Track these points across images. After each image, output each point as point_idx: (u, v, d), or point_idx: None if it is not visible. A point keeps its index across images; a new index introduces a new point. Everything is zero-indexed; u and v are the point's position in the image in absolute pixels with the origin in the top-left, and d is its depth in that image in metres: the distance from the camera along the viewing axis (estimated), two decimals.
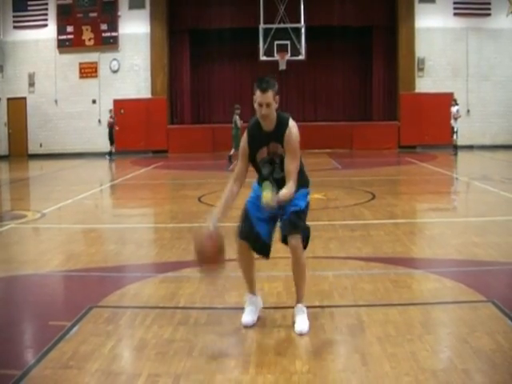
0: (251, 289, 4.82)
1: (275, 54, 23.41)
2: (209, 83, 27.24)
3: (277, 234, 4.64)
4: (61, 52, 25.51)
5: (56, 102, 25.63)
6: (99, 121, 24.28)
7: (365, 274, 6.12)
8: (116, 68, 25.50)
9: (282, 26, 23.34)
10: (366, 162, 20.49)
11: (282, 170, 4.53)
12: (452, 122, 21.31)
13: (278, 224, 4.62)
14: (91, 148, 24.55)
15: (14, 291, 6.05)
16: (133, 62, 25.48)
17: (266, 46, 23.38)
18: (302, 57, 23.21)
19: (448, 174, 16.24)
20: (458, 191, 13.80)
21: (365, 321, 4.73)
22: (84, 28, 25.33)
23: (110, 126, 22.89)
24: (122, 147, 24.85)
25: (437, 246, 7.50)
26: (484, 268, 6.39)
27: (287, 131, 4.47)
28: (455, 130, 21.24)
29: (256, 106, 4.45)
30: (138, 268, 6.82)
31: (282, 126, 4.49)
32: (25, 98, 25.72)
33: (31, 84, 25.64)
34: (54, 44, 25.50)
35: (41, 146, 25.70)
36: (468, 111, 24.38)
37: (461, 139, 21.61)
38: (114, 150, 22.47)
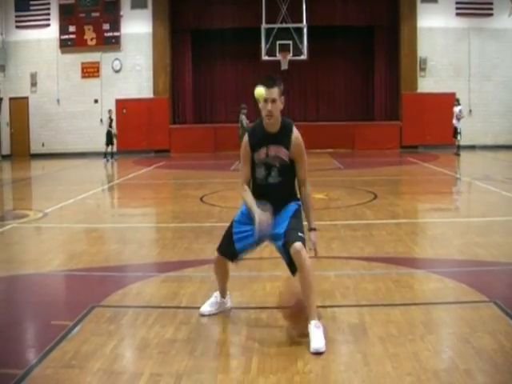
0: (222, 294, 4.97)
1: (277, 54, 23.38)
2: (211, 83, 27.23)
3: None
4: (63, 52, 25.52)
5: (58, 101, 25.64)
6: (101, 120, 24.26)
7: (367, 274, 6.12)
8: (118, 68, 25.50)
9: (284, 25, 23.31)
10: (368, 162, 20.48)
11: (280, 175, 4.51)
12: (455, 122, 21.27)
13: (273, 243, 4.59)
14: (93, 148, 24.54)
15: (16, 291, 6.06)
16: (135, 62, 25.48)
17: (268, 46, 23.36)
18: (304, 57, 23.17)
19: (450, 173, 16.22)
20: (460, 191, 13.78)
21: (367, 321, 4.73)
22: (86, 28, 25.33)
23: (109, 127, 22.80)
24: (124, 147, 24.89)
25: (439, 246, 7.49)
26: (486, 268, 6.39)
27: (293, 136, 4.47)
28: (459, 130, 21.22)
29: (261, 104, 4.42)
30: (140, 267, 6.82)
31: (286, 129, 4.48)
32: (27, 98, 25.73)
33: (33, 84, 25.65)
34: (56, 44, 25.51)
35: (43, 145, 25.71)
36: (470, 111, 24.34)
37: (463, 139, 21.57)
38: (110, 151, 22.36)
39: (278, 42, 23.40)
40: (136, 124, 24.94)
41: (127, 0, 25.30)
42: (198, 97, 26.98)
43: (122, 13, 25.29)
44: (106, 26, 25.30)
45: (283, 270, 5.88)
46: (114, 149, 23.19)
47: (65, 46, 25.45)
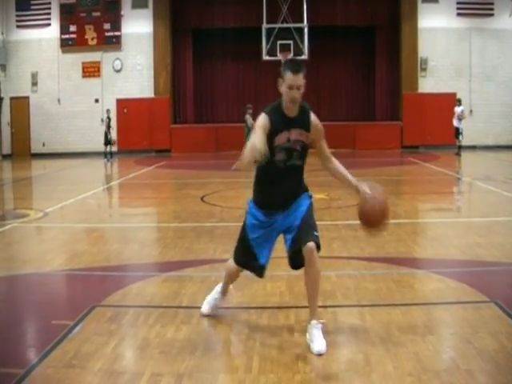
0: (225, 293, 4.94)
1: (278, 54, 23.39)
2: (212, 82, 27.23)
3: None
4: (64, 51, 25.52)
5: (59, 101, 25.65)
6: (102, 120, 24.25)
7: (368, 274, 6.12)
8: (119, 67, 25.50)
9: (284, 25, 23.33)
10: (369, 162, 20.46)
11: (300, 158, 4.40)
12: (456, 122, 21.22)
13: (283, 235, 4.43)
14: (94, 147, 24.53)
15: (17, 290, 6.06)
16: (136, 62, 25.48)
17: (268, 46, 23.37)
18: (304, 56, 23.16)
19: (451, 174, 16.22)
20: (461, 191, 13.77)
21: (368, 321, 4.73)
22: (87, 27, 25.33)
23: (107, 126, 22.73)
24: (124, 146, 24.91)
25: (440, 247, 7.49)
26: (487, 268, 6.39)
27: (312, 117, 4.36)
28: (460, 130, 21.19)
29: (284, 89, 4.18)
30: (141, 267, 6.82)
31: (304, 112, 4.34)
32: (28, 98, 25.74)
33: (34, 83, 25.65)
34: (57, 43, 25.52)
35: (43, 145, 25.71)
36: (471, 111, 24.33)
37: (464, 139, 21.58)
38: (108, 151, 22.34)
39: (278, 42, 23.42)
40: (137, 124, 24.95)
41: (128, 0, 25.32)
42: (198, 96, 26.98)
43: (122, 12, 25.29)
44: (107, 26, 25.30)
45: (284, 270, 5.89)
46: (115, 148, 23.17)
47: (65, 45, 25.45)
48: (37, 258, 7.17)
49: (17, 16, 25.56)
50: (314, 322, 4.27)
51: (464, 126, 21.47)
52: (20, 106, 25.68)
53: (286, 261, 5.56)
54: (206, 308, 4.89)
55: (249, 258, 4.41)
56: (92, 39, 25.39)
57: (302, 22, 23.43)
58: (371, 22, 25.44)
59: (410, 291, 5.55)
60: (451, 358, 4.01)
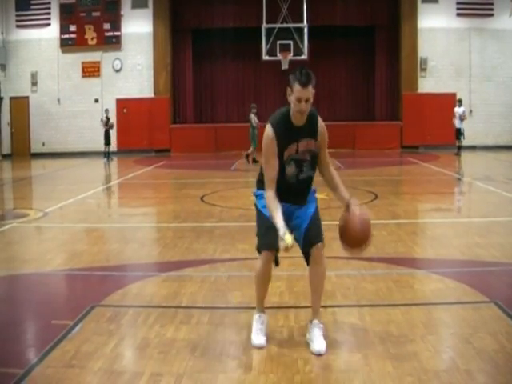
0: (262, 305, 4.51)
1: (278, 54, 23.40)
2: (211, 82, 27.23)
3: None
4: (63, 51, 25.52)
5: (59, 101, 25.64)
6: (101, 120, 24.24)
7: (367, 274, 6.12)
8: (119, 67, 25.50)
9: (284, 25, 23.33)
10: (369, 162, 20.47)
11: (312, 168, 4.33)
12: (458, 123, 21.14)
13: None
14: (93, 147, 24.53)
15: (16, 290, 6.06)
16: (135, 62, 25.48)
17: (268, 46, 23.37)
18: (304, 56, 23.17)
19: (450, 174, 16.22)
20: (461, 192, 13.78)
21: (367, 321, 4.73)
22: (87, 27, 25.33)
23: (105, 126, 22.70)
24: (124, 146, 24.92)
25: (439, 247, 7.49)
26: (487, 268, 6.39)
27: (319, 125, 4.33)
28: (462, 131, 21.16)
29: (292, 99, 4.11)
30: (141, 267, 6.82)
31: (312, 120, 4.28)
32: (27, 97, 25.73)
33: (34, 83, 25.65)
34: (57, 43, 25.51)
35: (43, 145, 25.71)
36: (471, 111, 24.33)
37: (464, 140, 21.57)
38: (109, 150, 22.32)
39: (278, 42, 23.42)
40: (136, 124, 24.96)
41: None
42: (198, 96, 26.98)
43: (122, 12, 25.29)
44: (107, 26, 25.30)
45: (284, 270, 5.90)
46: (115, 148, 23.17)
47: (65, 45, 25.45)
48: (36, 257, 7.17)
49: (16, 16, 25.55)
50: (315, 321, 4.28)
51: (464, 126, 21.47)
52: (20, 105, 25.67)
53: (286, 261, 5.58)
54: (260, 339, 4.31)
55: (275, 235, 4.07)
56: (92, 39, 25.39)
57: (301, 21, 23.42)
58: (371, 21, 25.44)
59: (409, 291, 5.55)
60: (451, 358, 4.02)
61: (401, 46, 25.09)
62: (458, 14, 24.76)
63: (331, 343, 4.26)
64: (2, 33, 25.42)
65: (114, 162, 22.06)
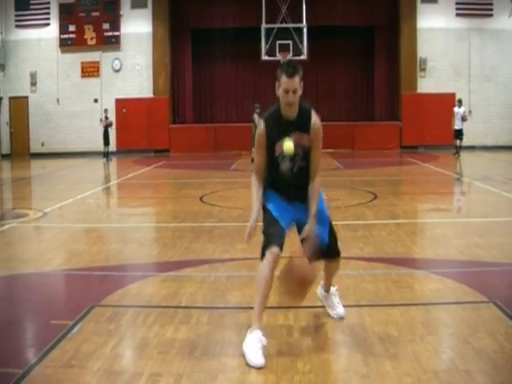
0: (261, 320, 4.17)
1: (277, 54, 23.38)
2: (211, 82, 27.23)
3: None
4: (63, 51, 25.52)
5: (58, 101, 25.64)
6: (101, 120, 24.25)
7: (367, 274, 6.12)
8: (118, 67, 25.50)
9: (284, 25, 23.33)
10: (368, 162, 20.48)
11: (304, 158, 4.26)
12: (458, 123, 21.05)
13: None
14: (93, 147, 24.53)
15: (16, 290, 6.05)
16: (135, 62, 25.48)
17: (267, 46, 23.37)
18: (303, 57, 23.16)
19: (450, 174, 16.22)
20: (460, 192, 13.78)
21: (366, 321, 4.73)
22: (86, 27, 25.33)
23: (105, 126, 22.68)
24: (123, 146, 24.92)
25: (439, 247, 7.49)
26: (486, 269, 6.39)
27: (313, 119, 4.23)
28: (463, 131, 21.09)
29: (280, 92, 4.15)
30: (140, 267, 6.81)
31: (305, 114, 4.23)
32: (27, 97, 25.73)
33: (33, 83, 25.65)
34: (56, 43, 25.52)
35: (42, 145, 25.71)
36: (470, 112, 24.32)
37: (463, 140, 21.56)
38: (108, 150, 22.31)
39: (277, 42, 23.43)
40: (136, 124, 24.96)
41: None
42: (197, 96, 26.99)
43: (121, 12, 25.29)
44: (106, 26, 25.31)
45: None
46: (114, 148, 23.16)
47: (65, 45, 25.46)
48: (36, 257, 7.17)
49: (16, 16, 25.55)
50: (332, 289, 4.82)
51: (463, 126, 21.45)
52: (19, 105, 25.67)
53: (285, 261, 5.58)
54: (258, 359, 3.96)
55: (277, 229, 4.17)
56: (91, 39, 25.39)
57: (301, 22, 23.42)
58: (370, 22, 25.46)
59: (408, 291, 5.55)
60: (450, 358, 4.02)
61: (400, 46, 25.10)
62: (458, 15, 24.78)
63: (330, 343, 4.27)
64: (2, 33, 25.43)
65: (114, 162, 22.06)
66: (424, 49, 24.84)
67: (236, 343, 4.37)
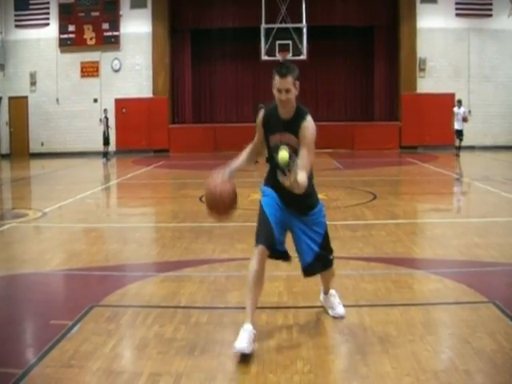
0: (252, 316, 4.25)
1: (277, 54, 23.39)
2: (210, 83, 27.23)
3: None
4: (62, 51, 25.52)
5: (57, 100, 25.64)
6: (100, 120, 24.26)
7: (366, 274, 6.12)
8: (117, 67, 25.50)
9: (283, 25, 23.33)
10: (368, 162, 20.48)
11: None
12: (459, 124, 21.00)
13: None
14: (92, 147, 24.53)
15: (15, 290, 6.05)
16: (134, 62, 25.48)
17: (267, 46, 23.37)
18: (303, 57, 23.17)
19: (449, 174, 16.22)
20: (460, 192, 13.79)
21: (366, 321, 4.73)
22: (85, 27, 25.33)
23: (104, 128, 22.67)
24: (123, 146, 24.92)
25: (438, 247, 7.49)
26: (485, 269, 6.39)
27: (304, 123, 4.29)
28: (463, 132, 21.05)
29: (275, 91, 4.28)
30: (139, 267, 6.82)
31: (299, 117, 4.32)
32: (26, 97, 25.73)
33: (33, 83, 25.65)
34: (56, 43, 25.51)
35: (42, 144, 25.70)
36: (469, 112, 24.30)
37: (463, 140, 21.56)
38: (108, 151, 22.30)
39: (277, 42, 23.43)
40: (135, 124, 24.96)
41: None
42: (197, 96, 26.98)
43: (121, 12, 25.29)
44: (106, 26, 25.30)
45: (282, 271, 5.90)
46: (113, 148, 23.16)
47: (64, 45, 25.45)
48: (35, 257, 7.17)
49: (15, 16, 25.55)
50: (331, 291, 4.85)
51: (463, 127, 21.43)
52: (18, 105, 25.67)
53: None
54: (242, 343, 4.05)
55: (269, 230, 4.27)
56: (91, 39, 25.39)
57: (300, 22, 23.42)
58: (370, 22, 25.46)
59: (408, 291, 5.55)
60: (449, 358, 4.02)
61: (400, 46, 25.11)
62: (457, 15, 24.79)
63: (330, 343, 4.27)
64: (1, 33, 25.44)
65: (113, 162, 22.05)
66: (423, 49, 24.84)
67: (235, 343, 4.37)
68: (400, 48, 25.08)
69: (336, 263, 6.59)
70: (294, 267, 5.85)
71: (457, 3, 24.69)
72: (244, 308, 4.42)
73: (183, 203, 11.56)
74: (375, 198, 11.52)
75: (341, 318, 4.76)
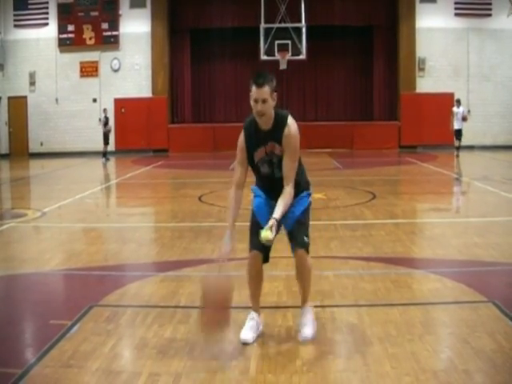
0: (256, 306, 4.56)
1: (276, 54, 23.38)
2: (209, 82, 27.23)
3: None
4: (61, 51, 25.51)
5: (57, 100, 25.63)
6: (100, 120, 24.27)
7: (365, 274, 6.12)
8: (117, 67, 25.49)
9: (282, 25, 23.31)
10: (367, 162, 20.48)
11: (281, 170, 4.30)
12: (458, 123, 20.97)
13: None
14: (92, 147, 24.51)
15: (15, 290, 6.05)
16: (133, 61, 25.47)
17: (266, 46, 23.35)
18: (302, 56, 23.17)
19: (449, 174, 16.23)
20: (459, 191, 13.79)
21: (365, 321, 4.73)
22: (85, 27, 25.31)
23: (104, 129, 22.64)
24: (122, 146, 24.91)
25: (437, 246, 7.49)
26: (485, 268, 6.39)
27: (286, 130, 4.23)
28: (462, 131, 21.01)
29: (252, 102, 4.20)
30: (139, 267, 6.81)
31: (280, 124, 4.25)
32: (25, 97, 25.71)
33: (32, 83, 25.63)
34: (55, 43, 25.50)
35: (41, 144, 25.69)
36: (469, 111, 24.30)
37: (462, 139, 21.56)
38: (107, 150, 22.27)
39: (276, 42, 23.40)
40: (134, 123, 24.94)
41: None
42: (196, 96, 26.98)
43: (120, 12, 25.28)
44: (105, 25, 25.29)
45: (282, 270, 5.91)
46: (113, 148, 23.15)
47: (63, 45, 25.44)
48: (34, 257, 7.16)
49: (14, 16, 25.53)
50: (304, 308, 4.49)
51: (463, 126, 21.41)
52: (18, 105, 25.65)
53: (284, 261, 5.59)
54: (246, 334, 4.35)
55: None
56: (90, 39, 25.38)
57: (300, 21, 23.40)
58: (369, 21, 25.47)
59: (407, 291, 5.55)
60: (449, 357, 4.02)
61: (399, 45, 25.11)
62: (456, 14, 24.79)
63: (329, 343, 4.27)
64: (0, 32, 25.42)
65: (112, 162, 22.03)
66: (423, 49, 24.84)
67: (235, 343, 4.37)
68: (399, 48, 25.08)
69: (335, 263, 6.63)
70: (292, 267, 5.86)
71: (456, 3, 24.69)
72: (243, 308, 4.42)
73: (182, 203, 11.56)
74: (374, 197, 11.52)
75: (304, 340, 4.28)
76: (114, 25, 25.25)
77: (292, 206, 4.34)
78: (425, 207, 11.14)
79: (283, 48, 23.42)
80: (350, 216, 9.63)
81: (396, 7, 25.14)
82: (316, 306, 4.97)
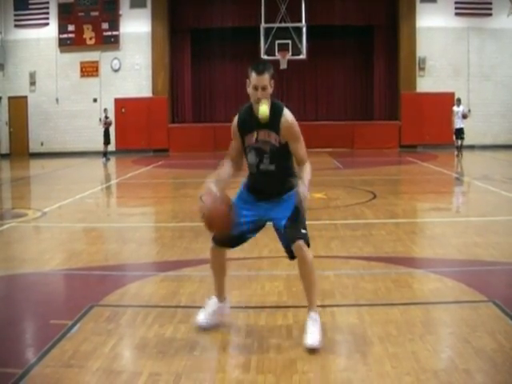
0: (220, 296, 4.67)
1: (276, 53, 23.38)
2: (210, 82, 27.24)
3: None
4: (62, 51, 25.52)
5: (57, 100, 25.65)
6: (100, 120, 24.28)
7: (366, 274, 6.12)
8: (117, 67, 25.50)
9: (283, 25, 23.33)
10: (367, 162, 20.48)
11: (272, 162, 4.34)
12: (459, 122, 20.92)
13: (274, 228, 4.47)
14: (92, 147, 24.54)
15: (15, 290, 6.05)
16: (134, 61, 25.48)
17: (267, 45, 23.36)
18: (303, 56, 23.17)
19: (449, 173, 16.23)
20: (459, 191, 13.79)
21: (366, 320, 4.73)
22: (85, 27, 25.33)
23: (105, 126, 22.65)
24: (122, 146, 24.92)
25: (438, 246, 7.49)
26: (485, 268, 6.39)
27: (283, 119, 4.27)
28: (464, 130, 20.95)
29: (250, 89, 4.25)
30: (139, 267, 6.81)
31: (276, 113, 4.28)
32: (26, 97, 25.73)
33: (32, 83, 25.65)
34: (55, 43, 25.52)
35: (42, 144, 25.71)
36: (469, 111, 24.32)
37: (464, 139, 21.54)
38: (107, 150, 22.25)
39: (277, 42, 23.41)
40: (135, 123, 24.96)
41: None
42: (197, 96, 26.99)
43: (121, 12, 25.29)
44: (105, 25, 25.31)
45: (282, 270, 5.91)
46: (113, 148, 23.16)
47: (64, 45, 25.46)
48: (35, 257, 7.16)
49: (15, 15, 25.55)
50: (311, 314, 4.33)
51: (464, 125, 21.38)
52: (18, 105, 25.67)
53: (283, 260, 5.58)
54: (200, 316, 4.64)
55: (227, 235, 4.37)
56: (90, 39, 25.39)
57: (300, 21, 23.41)
58: (369, 21, 25.48)
59: (408, 291, 5.55)
60: (449, 357, 4.02)
61: (399, 45, 25.11)
62: (457, 14, 24.80)
63: (329, 342, 4.26)
64: (1, 32, 25.45)
65: (112, 162, 22.03)
66: (423, 48, 24.85)
67: (235, 342, 4.37)
68: (400, 47, 25.09)
69: (336, 262, 6.63)
70: (293, 267, 5.86)
71: (456, 2, 24.70)
72: (243, 307, 4.42)
73: (183, 203, 11.56)
74: (375, 197, 11.52)
75: (310, 349, 4.11)
76: (115, 25, 25.26)
77: (284, 199, 4.35)
78: (425, 207, 11.14)
79: (283, 48, 23.43)
80: (350, 216, 9.63)
81: (396, 7, 25.15)
82: (317, 306, 4.97)
